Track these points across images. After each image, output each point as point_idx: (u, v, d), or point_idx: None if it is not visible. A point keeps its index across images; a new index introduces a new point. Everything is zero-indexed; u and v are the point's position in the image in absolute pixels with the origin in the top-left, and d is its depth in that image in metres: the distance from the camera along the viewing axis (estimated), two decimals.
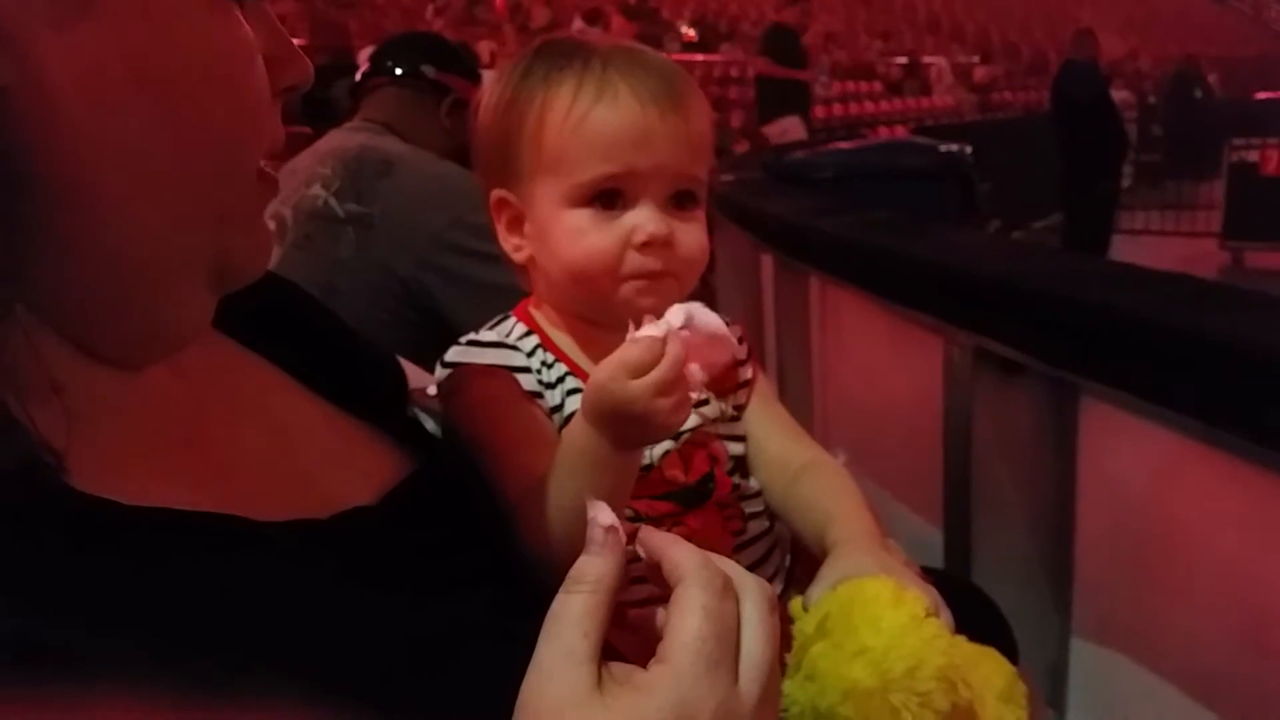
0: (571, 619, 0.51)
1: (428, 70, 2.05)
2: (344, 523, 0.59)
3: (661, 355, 0.69)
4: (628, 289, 0.83)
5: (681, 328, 0.71)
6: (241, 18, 0.54)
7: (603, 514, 0.54)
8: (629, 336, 0.71)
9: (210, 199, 0.54)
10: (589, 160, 0.81)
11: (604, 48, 0.85)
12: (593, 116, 0.81)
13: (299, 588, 0.52)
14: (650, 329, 0.71)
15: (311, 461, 0.65)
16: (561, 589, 0.52)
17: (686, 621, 0.51)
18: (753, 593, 0.55)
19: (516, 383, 0.84)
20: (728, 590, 0.53)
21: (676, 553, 0.54)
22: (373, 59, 2.14)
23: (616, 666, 0.51)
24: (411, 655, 0.53)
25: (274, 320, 0.72)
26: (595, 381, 0.71)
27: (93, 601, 0.45)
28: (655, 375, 0.68)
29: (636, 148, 0.81)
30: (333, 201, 1.82)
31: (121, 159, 0.49)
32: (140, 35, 0.49)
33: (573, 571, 0.53)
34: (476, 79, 2.12)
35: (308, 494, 0.60)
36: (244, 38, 0.54)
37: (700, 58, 12.62)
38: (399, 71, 2.06)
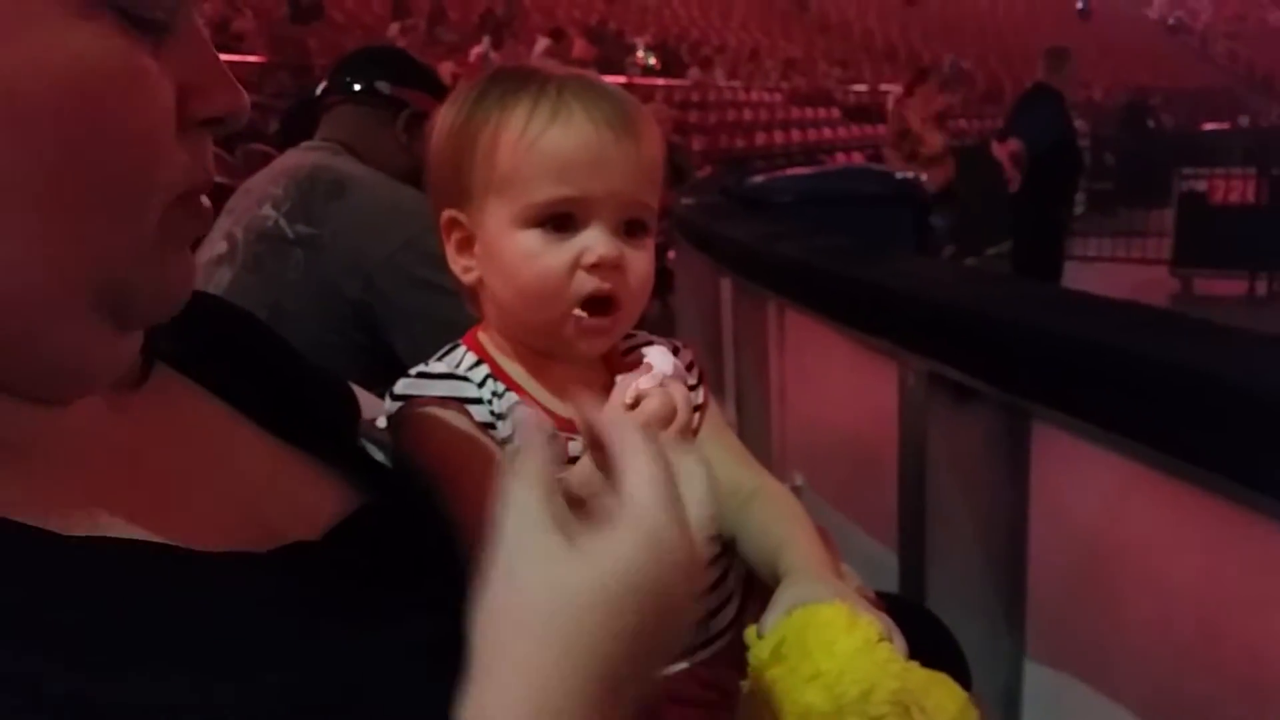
0: (526, 500, 0.52)
1: (383, 86, 2.03)
2: (283, 556, 0.59)
3: (674, 403, 0.74)
4: (572, 327, 0.82)
5: (671, 375, 0.77)
6: (131, 41, 0.51)
7: (527, 415, 0.57)
8: (626, 391, 0.75)
9: (89, 235, 0.50)
10: (542, 181, 0.81)
11: (559, 74, 0.85)
12: (547, 137, 0.81)
13: (237, 616, 0.51)
14: (645, 379, 0.75)
15: (255, 497, 0.64)
16: (506, 485, 0.53)
17: (639, 463, 0.53)
18: (687, 460, 0.58)
19: (469, 415, 0.83)
20: (664, 451, 0.56)
21: (609, 413, 0.59)
22: (330, 76, 2.12)
23: (577, 525, 0.52)
24: (345, 690, 0.52)
25: (222, 350, 0.71)
26: None
27: (30, 631, 0.44)
28: (681, 419, 0.74)
29: (591, 171, 0.81)
30: (283, 222, 1.80)
31: None
32: None
33: (514, 470, 0.53)
34: (436, 91, 2.10)
35: (249, 529, 0.60)
36: (130, 61, 0.50)
37: (662, 82, 12.71)
38: (356, 88, 2.04)
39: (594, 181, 0.81)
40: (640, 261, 0.84)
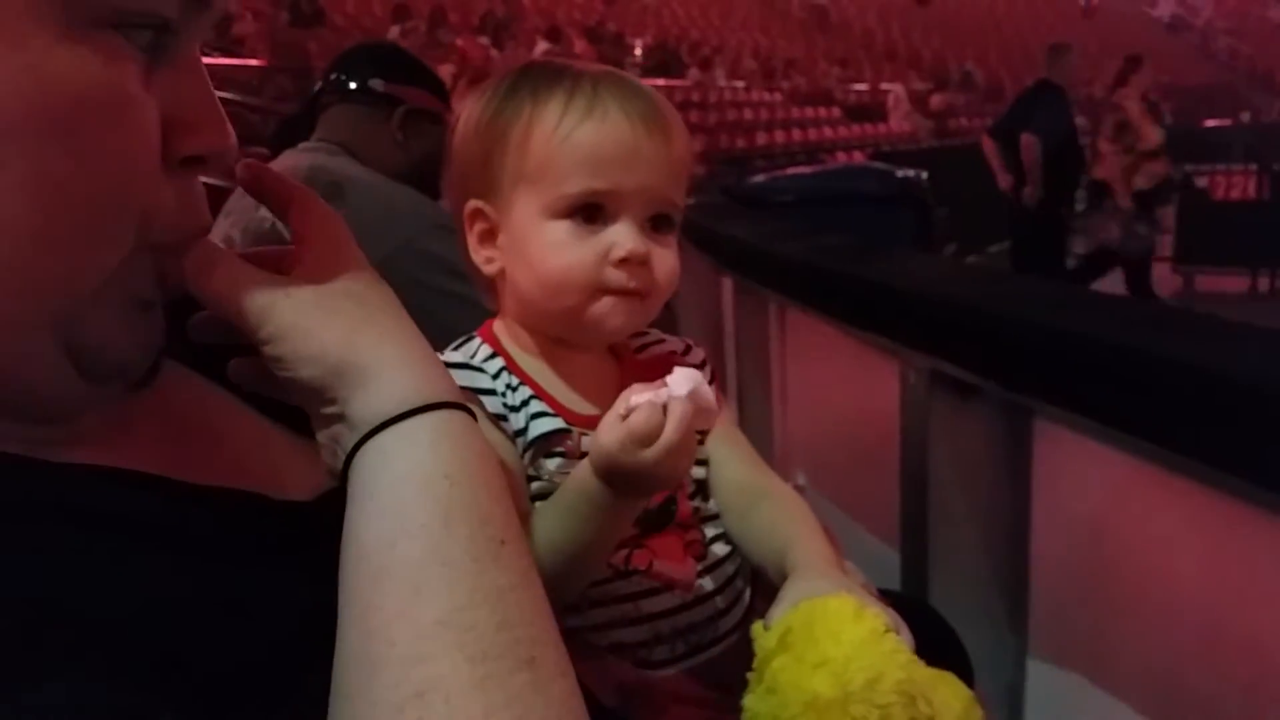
0: (219, 271, 0.58)
1: (376, 84, 2.02)
2: (279, 506, 0.61)
3: (661, 421, 0.73)
4: (598, 307, 0.83)
5: (687, 394, 0.74)
6: (121, 66, 0.50)
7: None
8: (626, 400, 0.74)
9: (58, 263, 0.50)
10: (575, 173, 0.82)
11: (592, 70, 0.86)
12: (582, 130, 0.82)
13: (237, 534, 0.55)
14: (650, 394, 0.74)
15: (251, 464, 0.65)
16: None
17: (313, 202, 0.68)
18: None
19: (481, 405, 0.83)
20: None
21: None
22: (325, 75, 2.12)
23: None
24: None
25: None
26: (604, 450, 0.73)
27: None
28: (664, 441, 0.72)
29: (623, 166, 0.82)
30: (280, 224, 1.79)
31: None
32: None
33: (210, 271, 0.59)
34: (431, 87, 2.09)
35: (246, 483, 0.62)
36: (114, 86, 0.50)
37: (662, 82, 12.71)
38: (351, 87, 2.03)
39: (626, 176, 0.82)
40: (666, 258, 0.85)
